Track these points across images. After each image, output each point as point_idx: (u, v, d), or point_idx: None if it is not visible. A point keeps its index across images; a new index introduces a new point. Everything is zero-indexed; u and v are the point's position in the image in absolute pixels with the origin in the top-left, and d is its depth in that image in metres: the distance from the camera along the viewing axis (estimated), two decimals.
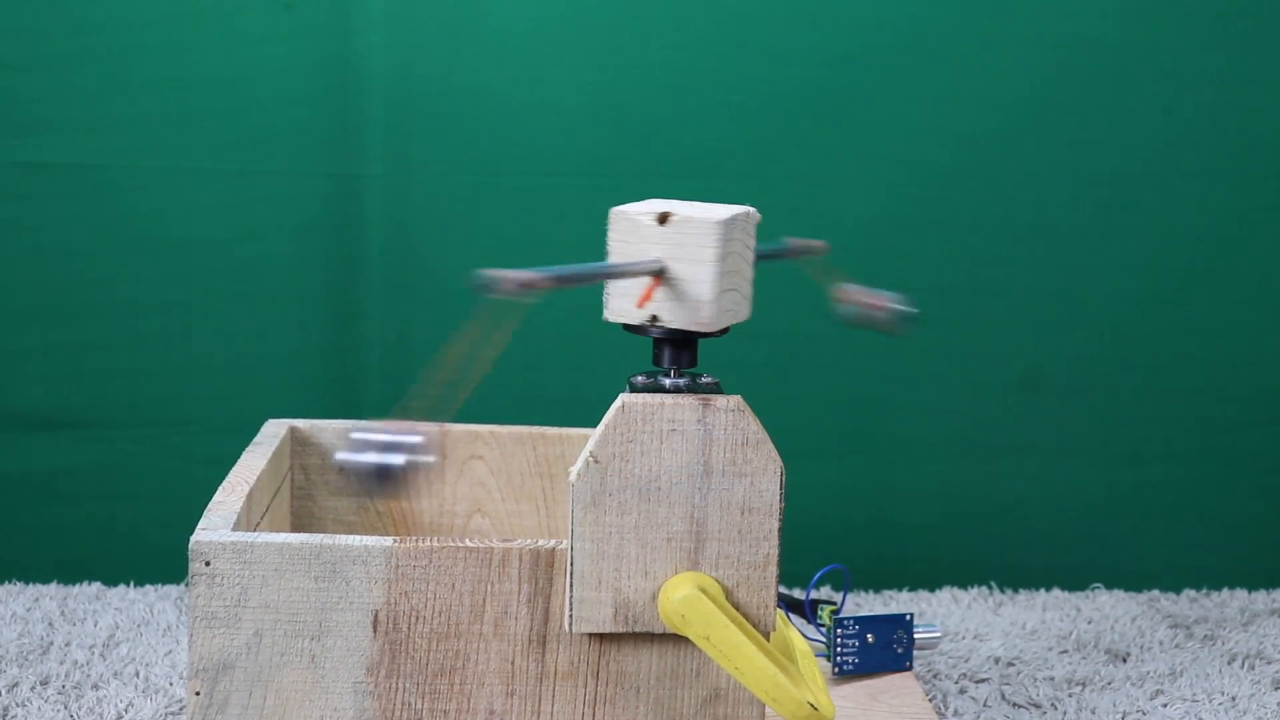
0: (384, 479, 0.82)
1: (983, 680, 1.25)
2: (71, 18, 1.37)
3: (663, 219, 0.88)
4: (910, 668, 1.20)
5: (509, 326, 0.82)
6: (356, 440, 0.82)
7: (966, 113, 1.43)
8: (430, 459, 0.82)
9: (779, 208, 1.42)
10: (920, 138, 1.43)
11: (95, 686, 1.18)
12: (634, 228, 0.88)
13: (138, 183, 1.39)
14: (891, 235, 1.44)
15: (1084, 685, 1.25)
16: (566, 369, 1.43)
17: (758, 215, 0.92)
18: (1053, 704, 1.21)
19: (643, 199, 0.93)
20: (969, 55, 1.43)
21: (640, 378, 0.92)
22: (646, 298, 0.88)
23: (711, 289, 0.87)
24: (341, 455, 0.82)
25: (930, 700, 1.18)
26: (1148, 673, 1.28)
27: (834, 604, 1.22)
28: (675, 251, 0.88)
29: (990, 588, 1.48)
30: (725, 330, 0.90)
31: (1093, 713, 1.19)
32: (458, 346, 0.83)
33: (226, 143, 1.40)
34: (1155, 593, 1.49)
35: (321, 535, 0.90)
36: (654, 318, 0.89)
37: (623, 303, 0.89)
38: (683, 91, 1.42)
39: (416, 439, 0.82)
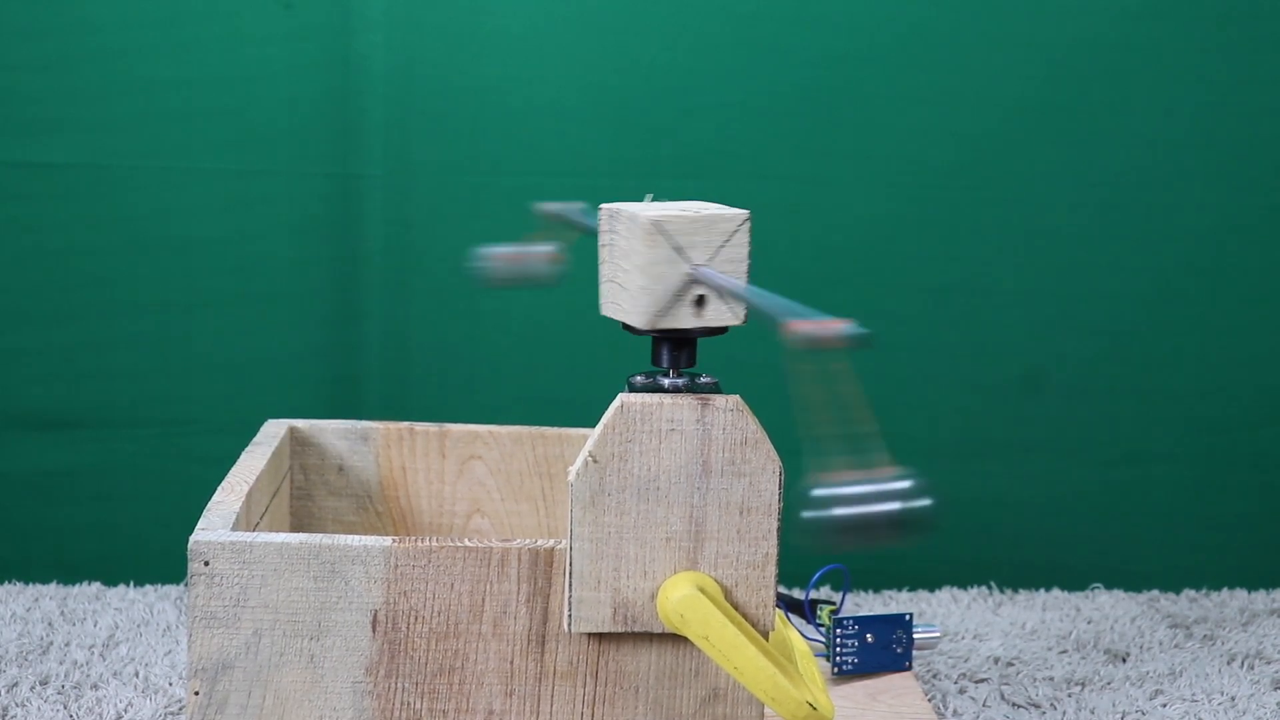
0: None
1: (982, 680, 1.25)
2: (71, 18, 1.37)
3: (611, 214, 0.88)
4: (910, 668, 1.20)
5: None
6: None
7: (966, 113, 1.43)
8: None
9: (779, 208, 1.43)
10: (920, 138, 1.43)
11: (95, 686, 1.18)
12: (601, 221, 0.90)
13: (138, 183, 1.39)
14: (891, 235, 1.44)
15: (1083, 685, 1.25)
16: (566, 369, 1.43)
17: (727, 215, 0.90)
18: (1052, 704, 1.21)
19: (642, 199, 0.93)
20: (969, 55, 1.43)
21: (639, 377, 0.92)
22: None
23: (636, 287, 0.87)
24: None
25: (930, 700, 1.18)
26: (1147, 673, 1.28)
27: (834, 604, 1.22)
28: (620, 247, 0.88)
29: (990, 588, 1.48)
30: (724, 329, 0.90)
31: (1092, 713, 1.19)
32: None
33: (226, 143, 1.40)
34: (1155, 593, 1.49)
35: (321, 535, 0.90)
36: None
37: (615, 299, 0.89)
38: (683, 91, 1.42)
39: None
